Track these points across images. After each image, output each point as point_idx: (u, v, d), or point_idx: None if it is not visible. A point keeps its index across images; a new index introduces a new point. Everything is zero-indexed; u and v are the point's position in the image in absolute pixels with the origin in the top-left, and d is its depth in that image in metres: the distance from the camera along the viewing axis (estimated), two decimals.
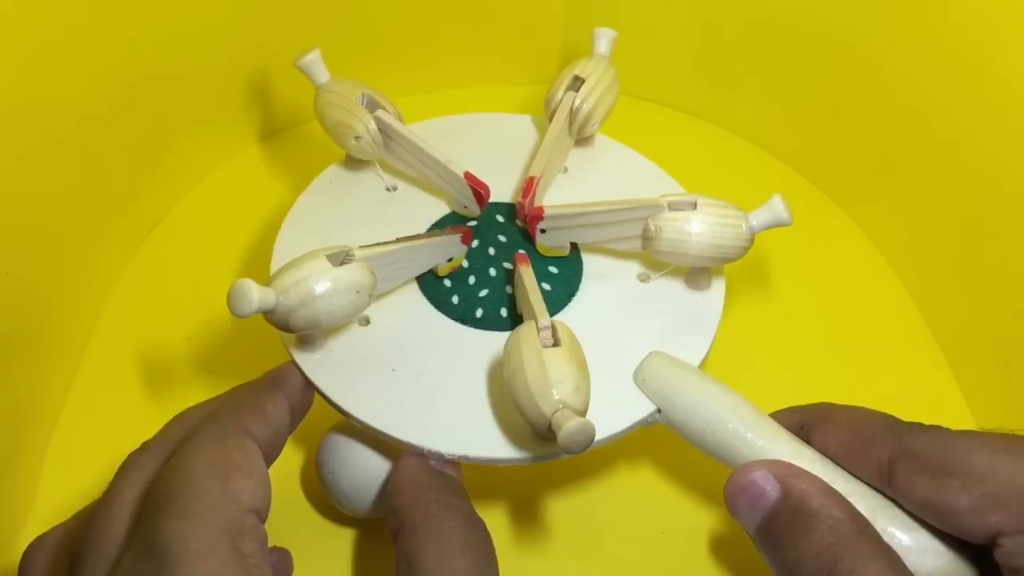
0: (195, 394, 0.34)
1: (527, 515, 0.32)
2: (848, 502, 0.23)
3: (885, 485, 0.24)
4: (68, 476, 0.32)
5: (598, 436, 0.26)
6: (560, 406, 0.24)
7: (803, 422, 0.26)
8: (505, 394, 0.27)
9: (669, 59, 0.42)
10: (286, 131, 0.44)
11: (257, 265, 0.38)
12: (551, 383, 0.24)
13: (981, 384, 0.35)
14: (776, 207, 0.29)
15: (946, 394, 0.36)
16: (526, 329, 0.26)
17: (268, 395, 0.27)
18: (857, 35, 0.38)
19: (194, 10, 0.37)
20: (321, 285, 0.26)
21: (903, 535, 0.24)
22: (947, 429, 0.24)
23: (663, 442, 0.34)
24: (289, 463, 0.33)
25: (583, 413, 0.24)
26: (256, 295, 0.25)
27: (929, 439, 0.24)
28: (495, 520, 0.32)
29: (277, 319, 0.26)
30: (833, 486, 0.24)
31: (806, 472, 0.24)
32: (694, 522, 0.32)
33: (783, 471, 0.24)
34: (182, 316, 0.37)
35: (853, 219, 0.42)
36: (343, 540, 0.31)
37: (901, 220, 0.39)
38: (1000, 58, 0.33)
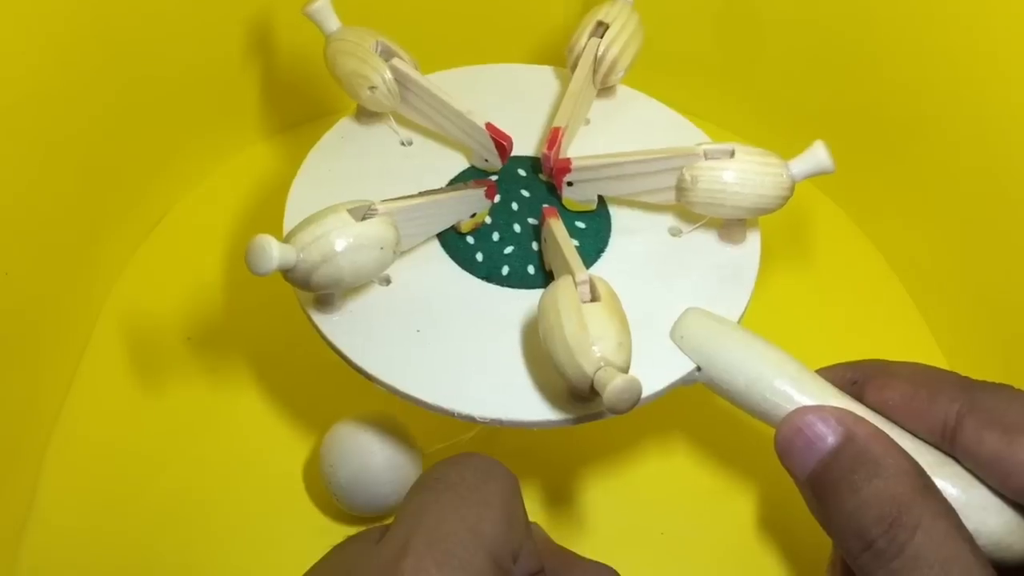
0: (195, 394, 0.34)
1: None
2: (912, 457, 0.22)
3: (946, 442, 0.23)
4: (68, 476, 0.32)
5: None
6: (602, 364, 0.23)
7: (856, 377, 0.25)
8: (538, 354, 0.26)
9: (669, 59, 0.41)
10: (287, 130, 0.43)
11: None
12: (592, 340, 0.23)
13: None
14: (818, 154, 0.27)
15: None
16: (562, 284, 0.24)
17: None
18: (856, 36, 0.37)
19: (195, 9, 0.37)
20: (343, 241, 0.24)
21: (964, 492, 0.23)
22: (1020, 389, 0.23)
23: (663, 441, 0.34)
24: (291, 460, 0.33)
25: (626, 371, 0.23)
26: (276, 252, 0.23)
27: (1004, 395, 0.22)
28: None
29: (297, 277, 0.25)
30: None
31: (868, 421, 0.23)
32: (694, 522, 0.32)
33: (845, 415, 0.23)
34: (182, 316, 0.36)
35: (852, 219, 0.41)
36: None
37: (901, 220, 0.39)
38: (997, 60, 0.32)
